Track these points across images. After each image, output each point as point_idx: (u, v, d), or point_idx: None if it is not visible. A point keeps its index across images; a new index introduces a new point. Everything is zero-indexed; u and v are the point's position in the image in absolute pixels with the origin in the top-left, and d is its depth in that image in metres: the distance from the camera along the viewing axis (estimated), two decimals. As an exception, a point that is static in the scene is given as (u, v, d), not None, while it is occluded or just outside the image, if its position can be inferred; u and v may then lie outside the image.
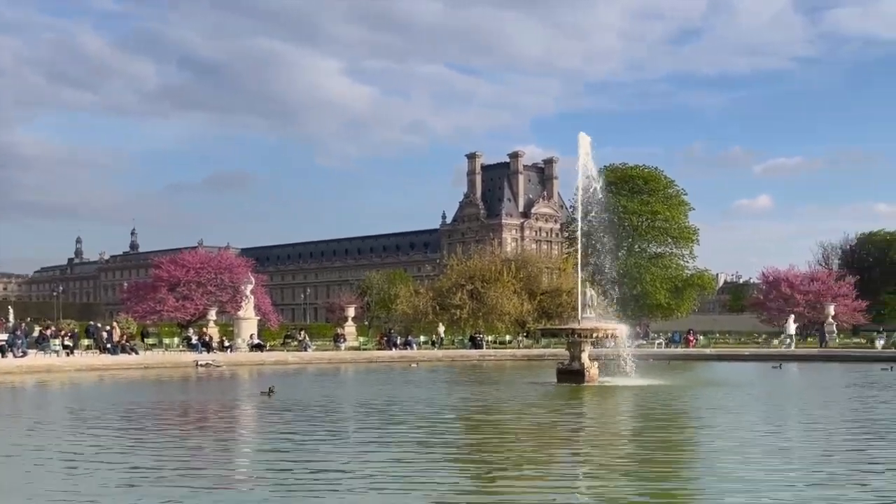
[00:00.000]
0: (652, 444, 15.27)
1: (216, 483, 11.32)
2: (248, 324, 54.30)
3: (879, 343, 56.40)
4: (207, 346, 48.21)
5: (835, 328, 65.62)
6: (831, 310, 67.08)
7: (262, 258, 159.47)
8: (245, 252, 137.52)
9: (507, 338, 64.04)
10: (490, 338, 61.97)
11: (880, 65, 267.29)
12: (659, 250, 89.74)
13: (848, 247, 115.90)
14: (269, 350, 52.27)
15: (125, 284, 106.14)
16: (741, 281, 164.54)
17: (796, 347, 56.42)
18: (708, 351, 55.63)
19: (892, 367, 36.03)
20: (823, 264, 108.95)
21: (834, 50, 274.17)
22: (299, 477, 11.53)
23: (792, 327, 58.87)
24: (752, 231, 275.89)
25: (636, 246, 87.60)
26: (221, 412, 21.49)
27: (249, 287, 57.14)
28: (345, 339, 58.37)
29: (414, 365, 44.39)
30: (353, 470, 12.03)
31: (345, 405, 22.85)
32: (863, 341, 64.31)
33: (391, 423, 18.31)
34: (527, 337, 63.25)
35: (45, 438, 15.80)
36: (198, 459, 13.50)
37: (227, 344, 51.22)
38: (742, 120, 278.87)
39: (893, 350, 51.84)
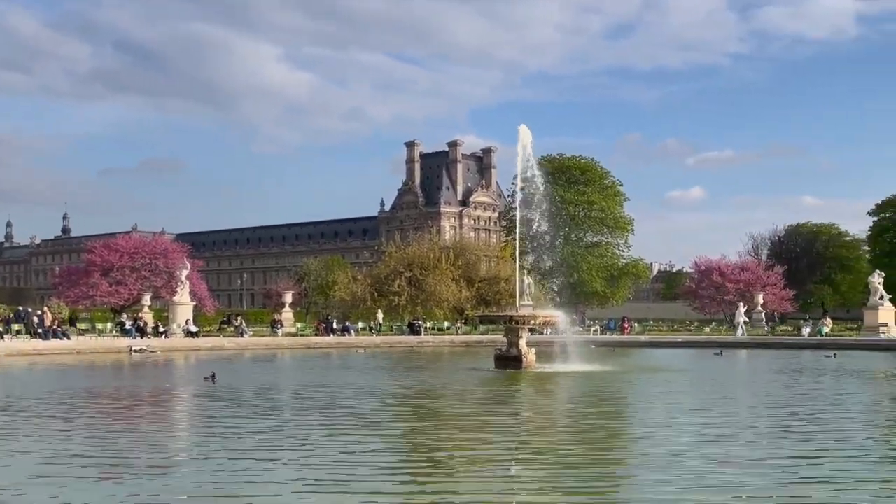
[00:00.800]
0: (585, 429, 15.40)
1: (146, 470, 11.03)
2: (184, 309, 53.42)
3: (806, 331, 57.55)
4: (141, 332, 47.35)
5: (764, 316, 66.78)
6: (760, 298, 68.34)
7: (198, 244, 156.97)
8: (180, 237, 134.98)
9: (446, 324, 63.97)
10: (428, 324, 61.91)
11: (808, 63, 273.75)
12: (595, 239, 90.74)
13: (776, 238, 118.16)
14: (205, 336, 51.49)
15: (57, 269, 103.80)
16: (674, 270, 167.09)
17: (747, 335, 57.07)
18: (642, 338, 56.12)
19: (835, 354, 36.62)
20: (753, 254, 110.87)
21: (764, 47, 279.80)
22: (233, 463, 11.23)
23: (742, 315, 59.53)
24: (685, 221, 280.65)
25: (573, 235, 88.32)
26: (162, 398, 20.98)
27: (185, 272, 56.20)
28: (282, 325, 57.77)
29: (361, 350, 44.37)
30: (289, 458, 11.79)
31: (287, 391, 22.49)
32: (790, 329, 65.47)
33: (330, 410, 18.07)
34: (465, 324, 63.22)
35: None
36: (129, 446, 13.13)
37: (161, 329, 50.35)
38: (676, 113, 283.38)
39: (819, 338, 52.96)
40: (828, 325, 59.37)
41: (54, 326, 45.20)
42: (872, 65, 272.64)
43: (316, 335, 54.95)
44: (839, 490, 9.79)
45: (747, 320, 60.88)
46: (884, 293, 55.56)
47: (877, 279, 56.33)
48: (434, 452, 12.67)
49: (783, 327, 69.58)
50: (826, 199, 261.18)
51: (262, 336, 54.31)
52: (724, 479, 10.37)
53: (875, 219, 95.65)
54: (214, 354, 40.71)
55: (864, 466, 11.36)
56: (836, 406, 19.23)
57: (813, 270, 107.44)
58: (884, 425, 16.22)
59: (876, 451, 13.03)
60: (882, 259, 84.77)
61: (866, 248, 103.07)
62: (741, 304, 62.17)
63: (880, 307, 54.67)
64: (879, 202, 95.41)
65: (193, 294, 58.68)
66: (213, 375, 23.54)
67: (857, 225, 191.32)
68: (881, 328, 53.00)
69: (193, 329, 50.89)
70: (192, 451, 12.74)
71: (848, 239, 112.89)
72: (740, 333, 56.83)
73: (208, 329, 56.51)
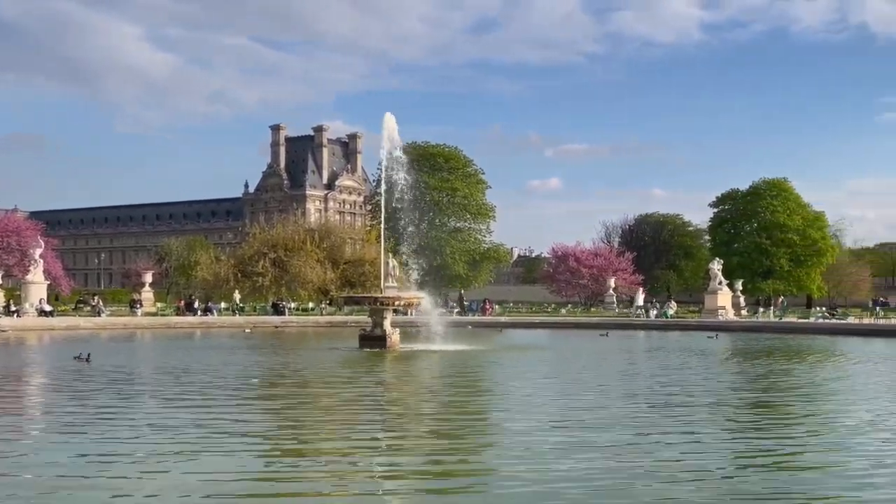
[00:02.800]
0: (445, 405, 15.46)
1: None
2: (37, 288, 50.71)
3: (652, 313, 59.34)
4: (-7, 311, 44.61)
5: (615, 299, 68.58)
6: (612, 282, 70.22)
7: (54, 222, 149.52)
8: (35, 215, 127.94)
9: (311, 305, 63.12)
10: (293, 305, 60.91)
11: (656, 64, 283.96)
12: (458, 225, 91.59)
13: (627, 226, 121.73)
14: (60, 315, 48.99)
15: None
16: (533, 255, 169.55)
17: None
18: (503, 319, 56.59)
19: (716, 336, 37.72)
20: (606, 241, 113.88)
21: (617, 48, 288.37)
22: (90, 446, 10.59)
23: (641, 299, 60.26)
24: (543, 209, 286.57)
25: (437, 220, 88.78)
26: (32, 380, 19.71)
27: (38, 251, 53.35)
28: (141, 305, 55.65)
29: (247, 330, 43.47)
30: (148, 437, 11.27)
31: (159, 372, 21.37)
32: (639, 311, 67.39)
33: (194, 389, 17.38)
34: (330, 304, 62.50)
35: None
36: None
37: (13, 309, 47.65)
38: (536, 107, 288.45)
39: (665, 319, 54.80)
40: (672, 308, 61.46)
41: None
42: (714, 68, 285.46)
43: (177, 315, 53.19)
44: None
45: (642, 304, 61.50)
46: (722, 279, 57.94)
47: (716, 266, 58.59)
48: (298, 430, 12.41)
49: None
50: (672, 191, 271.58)
51: (121, 316, 52.16)
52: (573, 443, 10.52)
53: (715, 210, 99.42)
54: (70, 334, 38.95)
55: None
56: (681, 380, 19.75)
57: (659, 257, 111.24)
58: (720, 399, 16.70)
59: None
60: (721, 248, 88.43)
61: (707, 237, 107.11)
62: (640, 290, 62.92)
63: (719, 292, 56.97)
64: (719, 195, 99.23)
65: (48, 273, 56.00)
66: (88, 356, 22.58)
67: (700, 216, 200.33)
68: (720, 311, 55.31)
69: (47, 308, 48.44)
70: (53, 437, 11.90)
71: (691, 228, 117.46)
72: (637, 315, 57.71)
73: (63, 309, 53.85)
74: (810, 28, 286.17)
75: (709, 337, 37.24)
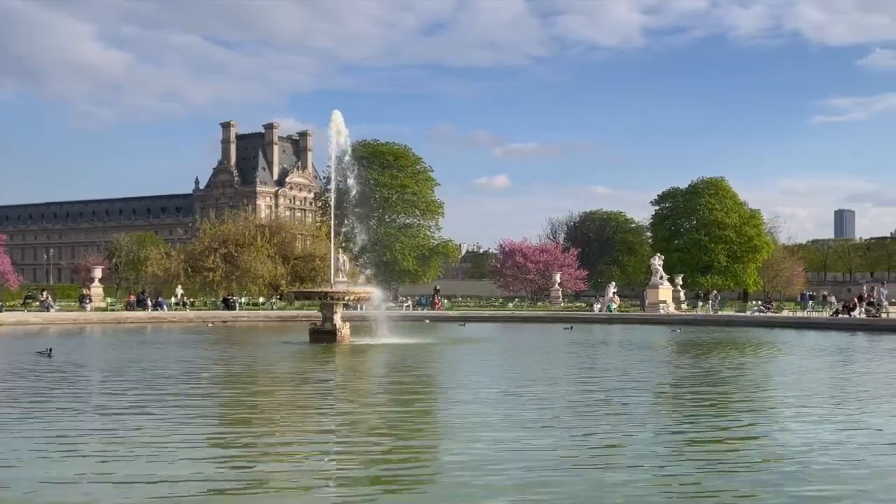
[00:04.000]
0: (395, 398, 15.50)
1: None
2: (-15, 283, 49.54)
3: (597, 307, 59.79)
4: (-63, 306, 43.47)
5: (560, 294, 69.04)
6: (557, 277, 70.73)
7: (2, 217, 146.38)
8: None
9: (261, 300, 62.58)
10: (244, 300, 60.34)
11: (601, 67, 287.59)
12: (408, 221, 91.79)
13: (572, 223, 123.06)
14: (8, 311, 47.90)
15: None
16: (481, 251, 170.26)
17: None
18: (452, 313, 56.60)
19: (679, 329, 38.10)
20: (552, 238, 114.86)
21: (563, 52, 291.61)
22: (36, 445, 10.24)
23: (611, 293, 60.35)
24: (491, 206, 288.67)
25: (386, 216, 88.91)
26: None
27: (-14, 246, 52.14)
28: (91, 300, 54.60)
29: (210, 324, 43.19)
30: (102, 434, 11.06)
31: (126, 366, 20.69)
32: (583, 305, 68.02)
33: (147, 384, 17.07)
34: (280, 299, 62.03)
35: None
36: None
37: (-39, 304, 46.47)
38: (485, 107, 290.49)
39: (608, 313, 55.20)
40: (616, 302, 61.97)
41: None
42: (656, 71, 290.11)
43: (127, 310, 52.32)
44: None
45: (613, 297, 60.93)
46: (663, 274, 58.68)
47: (657, 261, 59.39)
48: (248, 424, 12.33)
49: (578, 303, 72.29)
50: (616, 189, 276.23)
51: (71, 311, 51.17)
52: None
53: (657, 208, 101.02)
54: (20, 329, 38.15)
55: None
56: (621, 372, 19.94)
57: (603, 253, 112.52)
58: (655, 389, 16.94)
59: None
60: (662, 243, 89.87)
61: (649, 233, 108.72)
62: (611, 284, 62.19)
63: (660, 286, 57.68)
64: (660, 193, 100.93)
65: (-5, 268, 54.71)
66: (50, 350, 22.31)
67: (641, 213, 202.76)
68: (661, 305, 55.97)
69: (-5, 303, 47.32)
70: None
71: (633, 225, 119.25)
72: (601, 309, 57.30)
73: (12, 304, 52.67)
74: (747, 34, 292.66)
75: (672, 330, 37.64)
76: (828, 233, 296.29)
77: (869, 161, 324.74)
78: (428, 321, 46.83)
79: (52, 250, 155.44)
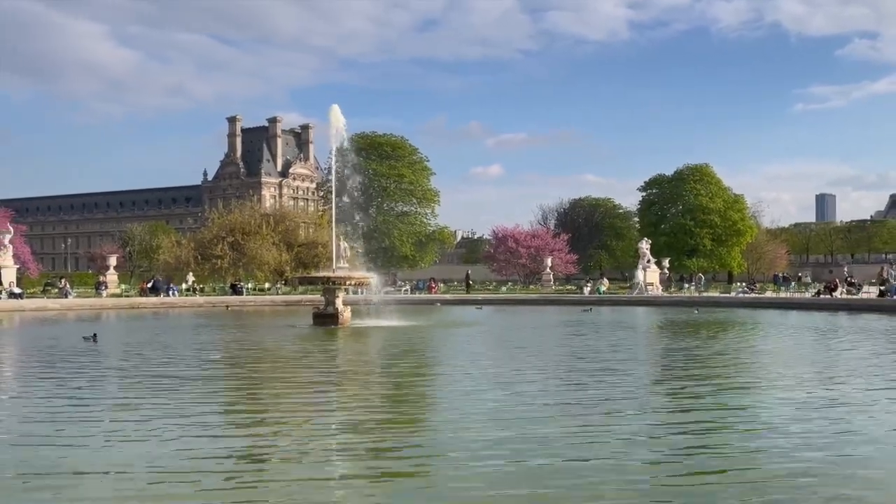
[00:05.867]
0: (393, 376, 15.80)
1: None
2: (7, 272, 49.92)
3: (586, 290, 60.13)
4: (-38, 294, 43.93)
5: (552, 277, 69.41)
6: (549, 262, 71.07)
7: (22, 209, 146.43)
8: (4, 203, 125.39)
9: (267, 285, 63.02)
10: (250, 285, 60.78)
11: (588, 61, 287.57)
12: (405, 209, 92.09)
13: (562, 209, 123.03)
14: (29, 297, 48.36)
15: None
16: (476, 237, 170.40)
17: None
18: (448, 297, 57.00)
19: (698, 310, 38.20)
20: (543, 223, 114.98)
21: (551, 46, 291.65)
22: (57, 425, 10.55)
23: (640, 276, 60.56)
24: (485, 194, 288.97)
25: (385, 205, 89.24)
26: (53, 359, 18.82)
27: (7, 237, 52.48)
28: (107, 287, 55.13)
29: (228, 308, 44.00)
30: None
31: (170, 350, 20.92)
32: (573, 288, 68.43)
33: (162, 367, 17.47)
34: (285, 284, 62.47)
35: None
36: None
37: (-17, 291, 46.91)
38: (477, 100, 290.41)
39: (598, 295, 55.61)
40: (605, 285, 62.34)
41: None
42: (642, 63, 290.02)
43: (141, 296, 52.80)
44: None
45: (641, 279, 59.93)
46: (651, 257, 59.00)
47: (644, 245, 59.71)
48: (258, 402, 12.77)
49: (568, 286, 72.64)
50: (604, 177, 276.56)
51: (88, 297, 51.63)
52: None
53: (644, 194, 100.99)
54: (39, 315, 38.55)
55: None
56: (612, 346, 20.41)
57: (592, 238, 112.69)
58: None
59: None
60: (649, 228, 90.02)
61: (636, 219, 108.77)
62: (639, 267, 60.01)
63: (648, 269, 57.98)
64: (647, 180, 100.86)
65: (17, 257, 55.08)
66: (94, 335, 22.31)
67: (629, 199, 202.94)
68: (648, 287, 56.28)
69: (17, 291, 47.72)
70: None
71: (621, 211, 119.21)
72: (637, 292, 56.48)
73: (32, 291, 53.19)
74: (729, 26, 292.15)
75: (695, 312, 37.93)
76: (809, 216, 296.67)
77: (849, 147, 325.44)
78: (440, 304, 47.29)
79: (69, 240, 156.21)
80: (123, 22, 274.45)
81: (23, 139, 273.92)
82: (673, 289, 62.43)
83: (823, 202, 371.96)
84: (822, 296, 47.71)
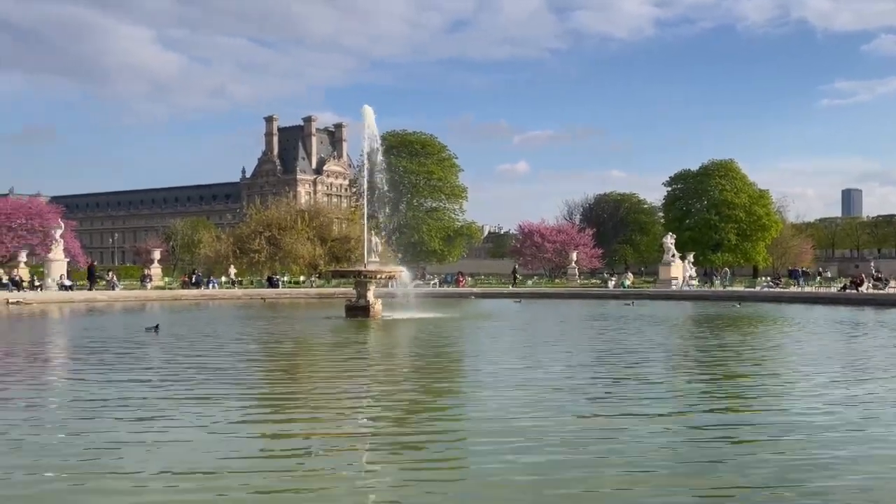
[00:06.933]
0: (423, 367, 16.00)
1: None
2: (58, 265, 51.44)
3: (611, 283, 60.32)
4: (17, 286, 45.37)
5: (577, 271, 69.56)
6: (574, 256, 71.27)
7: (72, 206, 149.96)
8: (56, 200, 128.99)
9: (301, 278, 63.98)
10: (286, 278, 61.72)
11: (614, 59, 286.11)
12: (434, 205, 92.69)
13: (587, 205, 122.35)
14: (78, 290, 49.73)
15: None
16: (502, 232, 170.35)
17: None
18: (475, 290, 57.10)
19: (739, 304, 38.28)
20: (568, 219, 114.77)
21: (578, 44, 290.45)
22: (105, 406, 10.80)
23: (692, 270, 60.05)
24: (511, 190, 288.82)
25: (414, 201, 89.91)
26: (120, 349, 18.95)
27: (59, 232, 54.04)
28: (151, 279, 56.50)
29: (263, 300, 45.03)
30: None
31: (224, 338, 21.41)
32: (598, 282, 68.38)
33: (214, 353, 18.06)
34: (319, 278, 63.32)
35: None
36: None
37: (37, 283, 48.46)
38: (505, 98, 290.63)
39: (622, 289, 55.71)
40: (629, 279, 62.41)
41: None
42: (667, 61, 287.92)
43: (183, 288, 54.02)
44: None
45: (693, 275, 60.78)
46: (675, 252, 58.86)
47: (669, 240, 59.55)
48: (294, 390, 13.21)
49: (593, 280, 72.69)
50: (629, 172, 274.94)
51: (133, 289, 52.90)
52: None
53: (669, 189, 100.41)
54: (88, 306, 39.59)
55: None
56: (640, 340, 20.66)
57: (617, 232, 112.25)
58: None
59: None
60: (673, 223, 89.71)
61: (661, 214, 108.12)
62: (686, 260, 60.55)
63: (672, 264, 57.93)
64: (672, 175, 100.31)
65: (67, 251, 56.68)
66: (157, 326, 22.59)
67: (654, 194, 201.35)
68: (672, 281, 56.30)
69: (67, 283, 49.15)
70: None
71: (646, 206, 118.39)
72: (690, 286, 56.84)
73: (81, 283, 54.62)
74: (755, 23, 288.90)
75: (735, 305, 37.72)
76: (836, 211, 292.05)
77: (875, 142, 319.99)
78: (474, 297, 47.66)
79: (116, 235, 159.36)
80: (167, 25, 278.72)
81: (73, 139, 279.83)
82: (697, 283, 61.86)
83: (850, 197, 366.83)
84: (847, 290, 47.22)
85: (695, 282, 57.47)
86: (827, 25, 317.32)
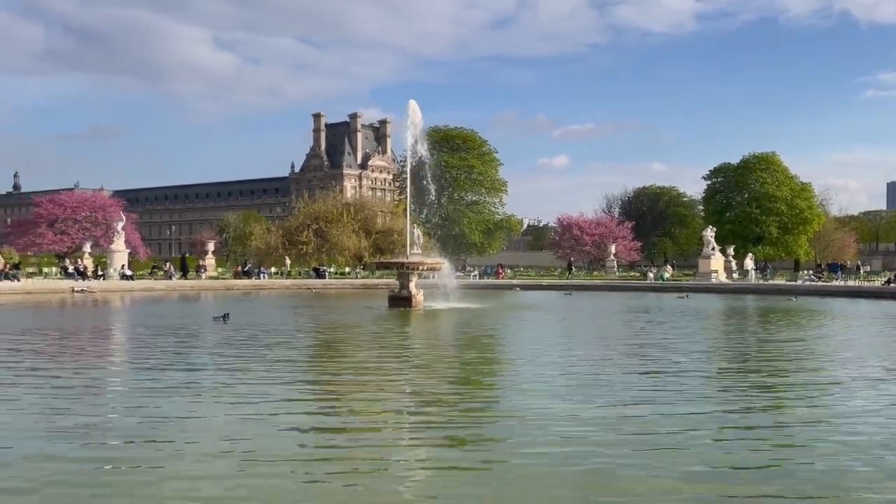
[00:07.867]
0: (464, 354, 16.36)
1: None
2: (120, 256, 53.06)
3: (650, 276, 60.00)
4: (82, 275, 47.04)
5: (616, 263, 69.40)
6: (613, 248, 71.04)
7: (133, 199, 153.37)
8: (118, 194, 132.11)
9: (347, 269, 64.80)
10: (332, 269, 62.62)
11: (654, 53, 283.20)
12: (474, 198, 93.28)
13: (627, 198, 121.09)
14: (138, 279, 51.36)
15: (8, 220, 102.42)
16: (541, 225, 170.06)
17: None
18: (514, 282, 56.91)
19: (794, 298, 37.53)
20: (607, 212, 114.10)
21: (618, 39, 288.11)
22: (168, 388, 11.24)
23: (750, 263, 59.83)
24: (551, 184, 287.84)
25: (455, 194, 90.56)
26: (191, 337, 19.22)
27: (120, 224, 55.95)
28: (205, 270, 57.92)
29: (313, 290, 45.77)
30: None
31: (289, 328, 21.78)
32: (637, 275, 68.04)
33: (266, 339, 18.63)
34: (363, 269, 64.08)
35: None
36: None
37: (100, 273, 50.24)
38: (545, 93, 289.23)
39: (661, 282, 55.54)
40: (668, 272, 61.94)
41: (6, 270, 44.74)
42: (708, 54, 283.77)
43: (235, 279, 55.28)
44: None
45: (755, 267, 60.67)
46: (715, 245, 58.21)
47: (709, 233, 58.88)
48: (339, 375, 13.40)
49: (632, 273, 72.43)
50: (670, 165, 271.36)
51: (189, 279, 54.24)
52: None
53: (709, 182, 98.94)
54: (147, 295, 40.75)
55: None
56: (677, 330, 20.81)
57: (656, 225, 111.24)
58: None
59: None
60: (713, 216, 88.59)
61: (701, 207, 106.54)
62: (750, 255, 60.64)
63: (711, 257, 57.32)
64: (712, 168, 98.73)
65: (128, 243, 58.61)
66: (226, 315, 22.56)
67: (694, 187, 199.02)
68: (712, 274, 55.71)
69: (128, 272, 50.66)
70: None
71: (686, 199, 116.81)
72: (750, 279, 57.16)
73: (141, 273, 56.44)
74: (798, 15, 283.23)
75: (788, 300, 36.99)
76: (880, 204, 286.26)
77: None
78: (518, 289, 47.85)
79: (173, 227, 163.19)
80: (223, 27, 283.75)
81: (135, 136, 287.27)
82: (738, 276, 61.19)
83: (895, 190, 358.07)
84: (891, 284, 45.96)
85: (752, 274, 57.06)
86: (870, 17, 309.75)
